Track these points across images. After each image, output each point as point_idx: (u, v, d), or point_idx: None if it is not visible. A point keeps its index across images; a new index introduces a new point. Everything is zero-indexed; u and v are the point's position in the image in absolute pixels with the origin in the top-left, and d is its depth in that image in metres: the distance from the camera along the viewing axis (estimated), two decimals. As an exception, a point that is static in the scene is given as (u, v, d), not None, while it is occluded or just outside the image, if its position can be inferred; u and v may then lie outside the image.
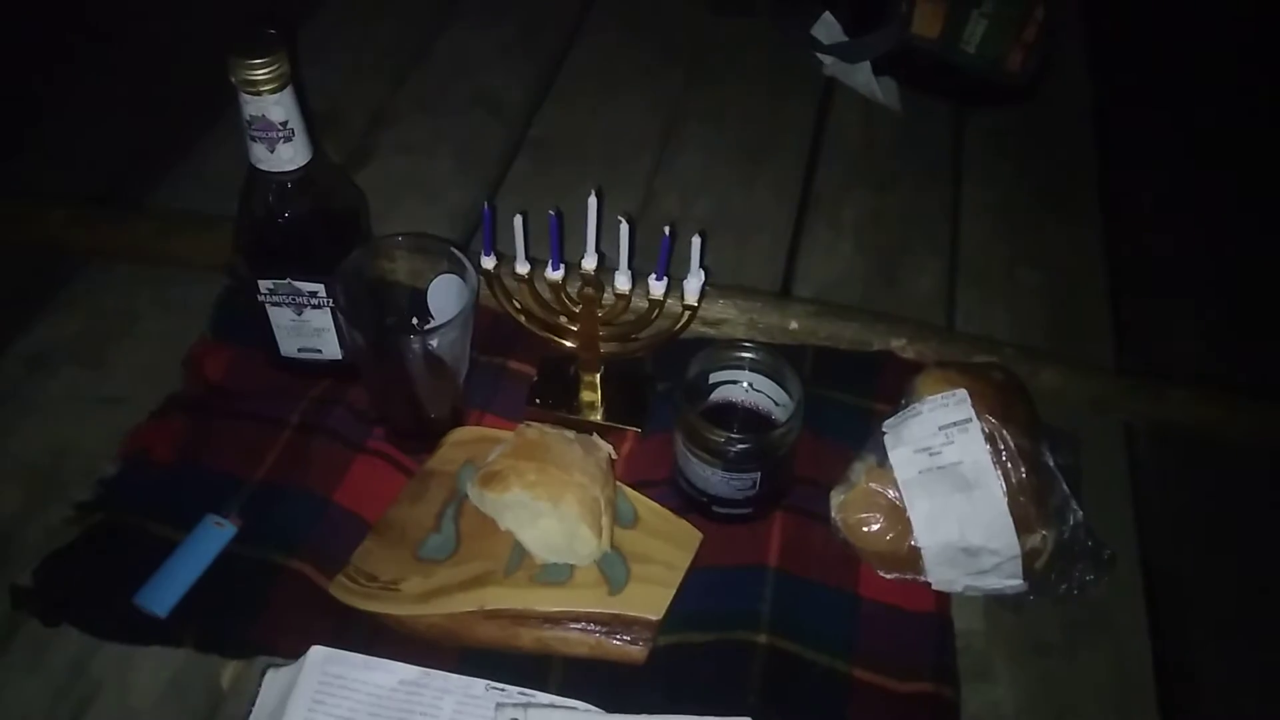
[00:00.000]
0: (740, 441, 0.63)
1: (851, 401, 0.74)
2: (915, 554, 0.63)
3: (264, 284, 0.69)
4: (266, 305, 0.70)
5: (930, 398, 0.64)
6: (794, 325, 0.79)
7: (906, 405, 0.65)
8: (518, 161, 0.97)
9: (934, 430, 0.62)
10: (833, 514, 0.66)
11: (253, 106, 0.62)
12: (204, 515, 0.65)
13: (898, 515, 0.63)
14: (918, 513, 0.63)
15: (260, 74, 0.60)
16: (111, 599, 0.61)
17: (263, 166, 0.64)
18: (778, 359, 0.67)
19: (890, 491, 0.63)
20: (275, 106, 0.62)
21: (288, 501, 0.67)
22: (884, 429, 0.65)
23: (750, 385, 0.69)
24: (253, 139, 0.63)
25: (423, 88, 1.04)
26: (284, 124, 0.63)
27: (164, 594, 0.61)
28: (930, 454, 0.62)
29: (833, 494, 0.66)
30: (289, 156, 0.64)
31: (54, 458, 0.69)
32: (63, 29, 1.05)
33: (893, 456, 0.63)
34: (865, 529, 0.64)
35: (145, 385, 0.73)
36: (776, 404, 0.68)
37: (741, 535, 0.67)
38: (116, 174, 0.90)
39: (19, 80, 0.97)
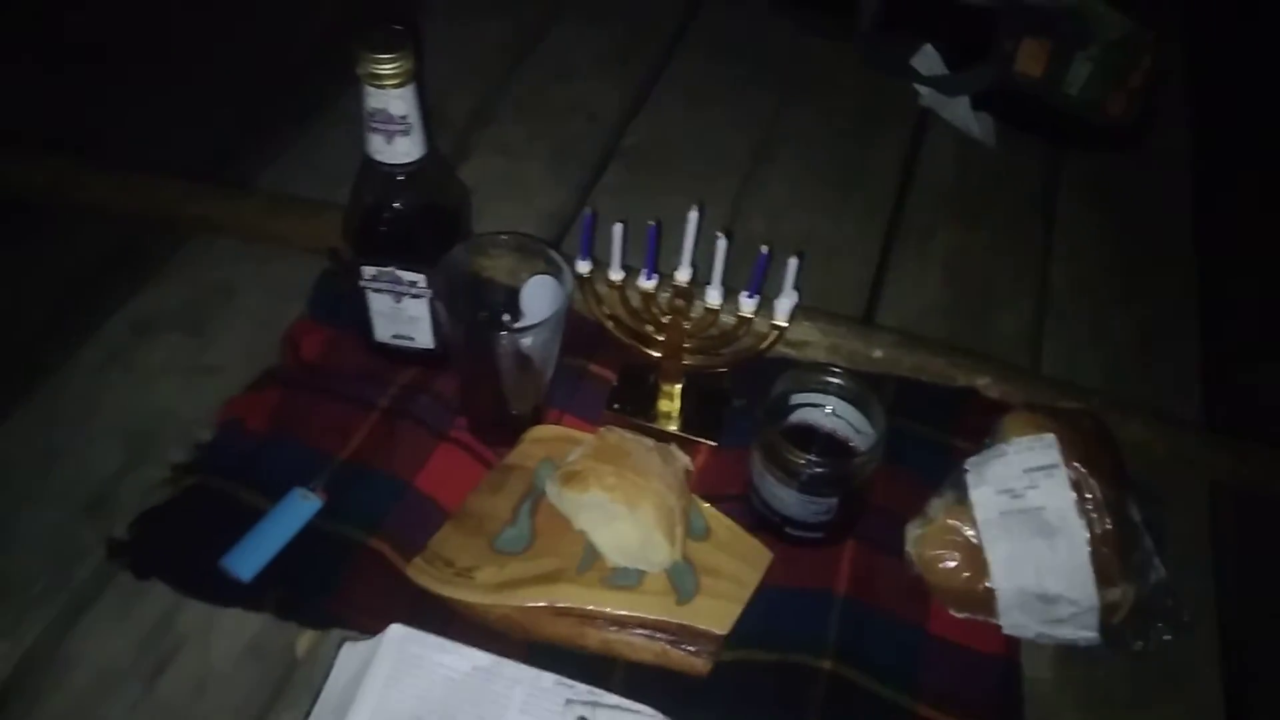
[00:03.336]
0: (820, 465, 0.64)
1: (932, 436, 0.74)
2: (989, 595, 0.63)
3: (367, 270, 0.71)
4: (367, 291, 0.72)
5: (1017, 439, 0.63)
6: (878, 354, 0.79)
7: (991, 445, 0.65)
8: (610, 169, 0.98)
9: (1019, 472, 0.62)
10: (907, 547, 0.65)
11: (375, 99, 0.64)
12: (292, 487, 0.67)
13: (974, 554, 0.63)
14: (996, 554, 0.62)
15: (386, 69, 0.62)
16: (199, 559, 0.63)
17: (379, 158, 0.66)
18: (863, 386, 0.68)
19: (968, 530, 0.63)
20: (397, 101, 0.64)
21: (371, 481, 0.69)
22: (966, 466, 0.65)
23: (833, 410, 0.69)
24: (372, 130, 0.65)
25: (522, 90, 1.06)
26: (403, 118, 0.65)
27: (249, 559, 0.63)
28: (1013, 496, 0.62)
29: (909, 527, 0.66)
30: (404, 150, 0.66)
31: (153, 420, 0.72)
32: (192, 5, 1.09)
33: (974, 495, 0.63)
34: (940, 565, 0.64)
35: (243, 357, 0.76)
36: (857, 431, 0.68)
37: (812, 559, 0.67)
38: (231, 153, 0.93)
39: (145, 53, 1.01)
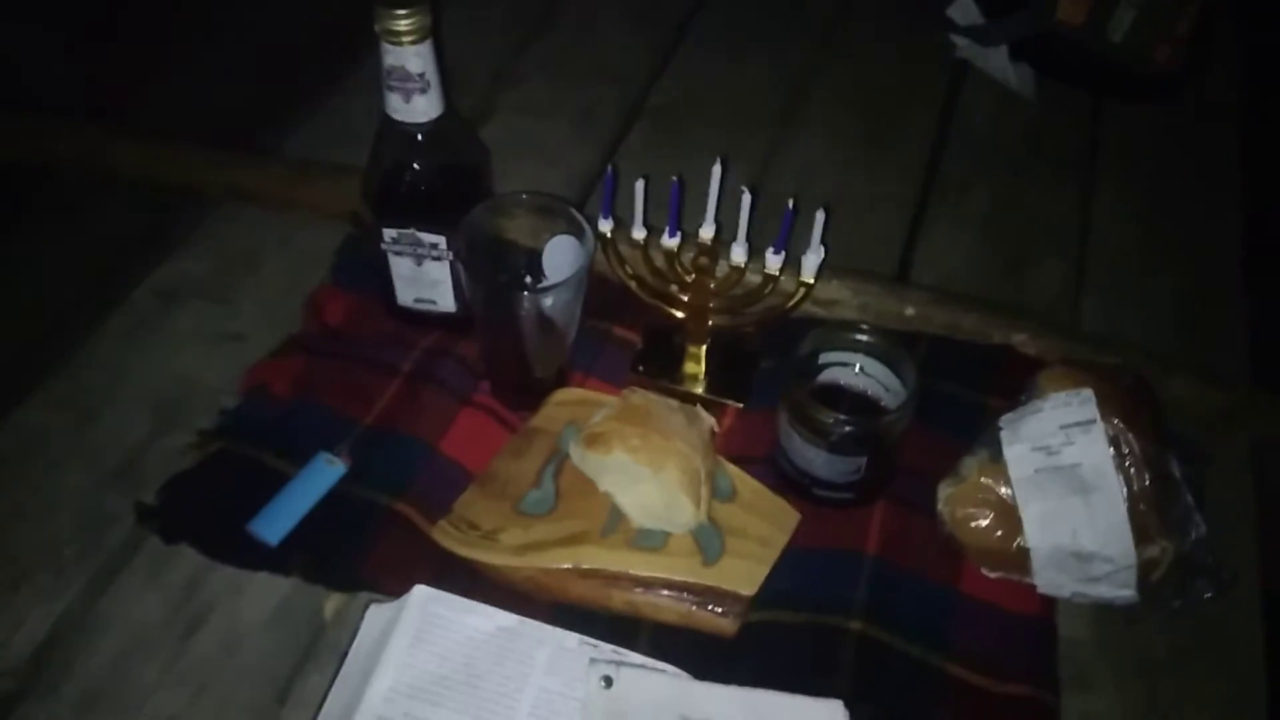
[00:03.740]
0: (848, 424, 0.62)
1: (964, 394, 0.72)
2: (1023, 554, 0.61)
3: (388, 233, 0.71)
4: (388, 254, 0.72)
5: (1053, 395, 0.61)
6: (910, 311, 0.77)
7: (1026, 401, 0.63)
8: (636, 129, 0.96)
9: (1055, 429, 0.60)
10: (939, 506, 0.64)
11: (393, 56, 0.63)
12: (317, 451, 0.67)
13: (1008, 513, 0.61)
14: (1030, 512, 0.60)
15: (402, 24, 0.61)
16: (227, 524, 0.64)
17: (397, 117, 0.66)
18: (893, 343, 0.66)
19: (1002, 488, 0.62)
20: (414, 57, 0.63)
21: (396, 445, 0.69)
22: (1001, 424, 0.63)
23: (861, 368, 0.67)
24: (390, 89, 0.65)
25: (546, 50, 1.04)
26: (421, 75, 0.64)
27: (276, 523, 0.64)
28: (1048, 453, 0.60)
29: (941, 486, 0.64)
30: (423, 108, 0.65)
31: (179, 387, 0.73)
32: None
33: (1008, 453, 0.61)
34: (973, 524, 0.62)
35: (267, 324, 0.76)
36: (887, 389, 0.67)
37: (841, 520, 0.66)
38: (252, 120, 0.93)
39: (166, 23, 1.01)
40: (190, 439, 0.68)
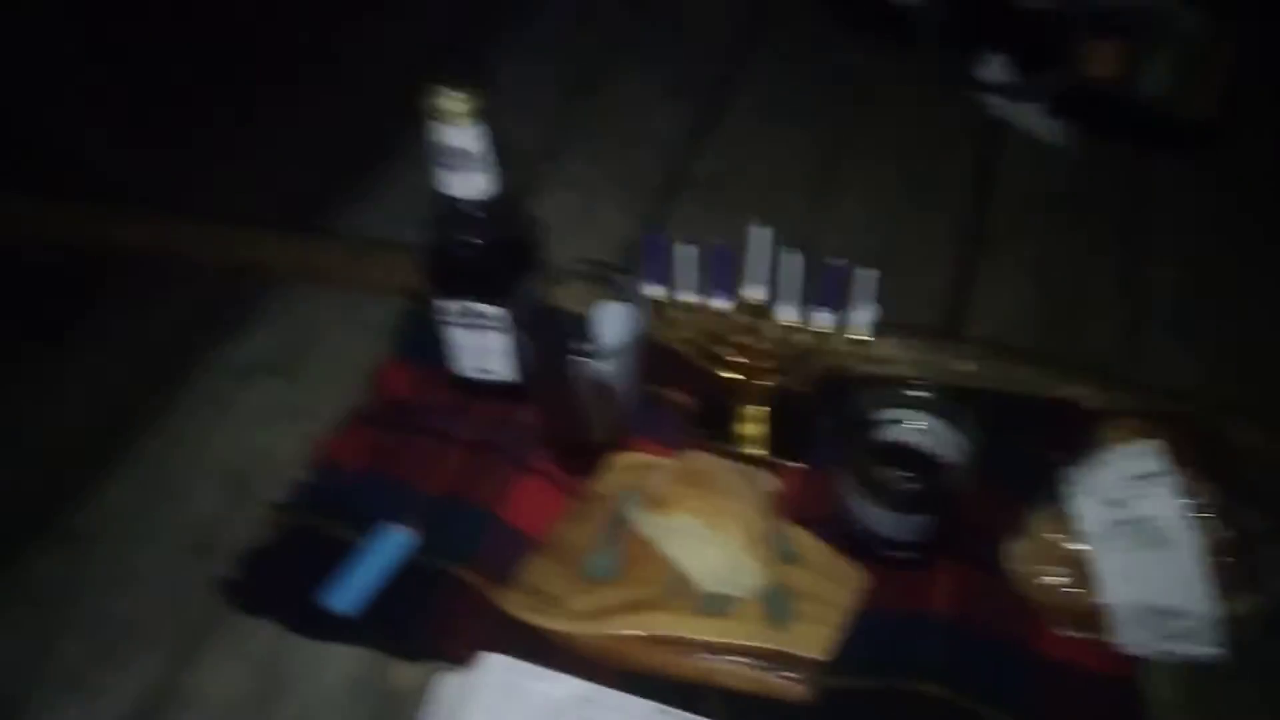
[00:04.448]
0: (911, 481, 0.62)
1: (1027, 448, 0.71)
2: (1099, 612, 0.60)
3: (446, 305, 0.73)
4: (447, 326, 0.74)
5: (1119, 447, 0.61)
6: (965, 367, 0.77)
7: (1091, 454, 0.63)
8: (679, 196, 0.99)
9: (1123, 481, 0.60)
10: (1008, 564, 0.63)
11: (446, 136, 0.65)
12: (385, 522, 0.68)
13: (1080, 569, 0.61)
14: (1104, 568, 0.60)
15: (456, 105, 0.64)
16: (302, 596, 0.65)
17: (452, 193, 0.68)
18: (951, 399, 0.66)
19: (1072, 544, 0.61)
20: (467, 137, 0.65)
21: (460, 514, 0.70)
22: (1066, 478, 0.63)
23: (920, 425, 0.68)
24: (444, 167, 0.67)
25: (590, 122, 1.08)
26: (473, 153, 0.66)
27: (349, 595, 0.65)
28: (1119, 506, 0.60)
29: (1009, 543, 0.64)
30: (476, 185, 0.68)
31: (253, 461, 0.75)
32: (265, 62, 1.14)
33: (1076, 507, 0.61)
34: (1044, 582, 0.61)
35: (334, 398, 0.78)
36: (947, 446, 0.67)
37: (907, 580, 0.66)
38: (312, 199, 0.96)
39: (229, 108, 1.06)
40: (265, 513, 0.70)
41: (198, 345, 0.84)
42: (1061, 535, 0.61)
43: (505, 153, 0.72)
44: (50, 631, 0.66)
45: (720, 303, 0.71)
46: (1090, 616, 0.60)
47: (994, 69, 1.05)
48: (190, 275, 0.90)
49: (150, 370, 0.83)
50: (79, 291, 0.91)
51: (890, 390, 0.68)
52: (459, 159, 0.66)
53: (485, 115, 0.65)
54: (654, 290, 0.71)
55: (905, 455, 0.68)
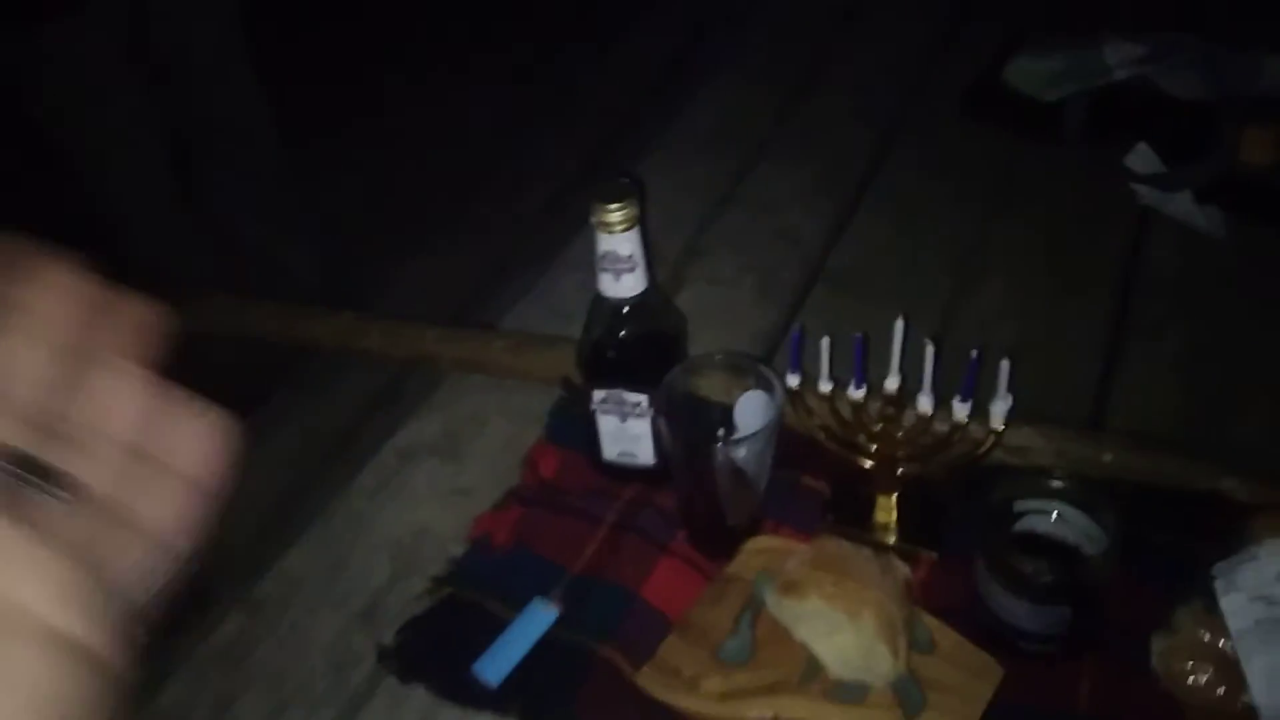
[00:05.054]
0: (1050, 573, 0.62)
1: (1171, 542, 0.69)
2: (1249, 713, 0.57)
3: (596, 394, 0.78)
4: (596, 413, 0.79)
5: (1270, 541, 0.59)
6: (1107, 458, 0.76)
7: (1240, 549, 0.61)
8: (816, 290, 1.02)
9: (1275, 577, 0.57)
10: (1153, 661, 0.62)
11: (606, 243, 0.72)
12: (534, 597, 0.73)
13: (1229, 667, 0.58)
14: (1254, 667, 0.57)
15: (616, 216, 0.70)
16: (454, 665, 0.70)
17: (608, 293, 0.74)
18: (1090, 490, 0.66)
19: (1220, 641, 0.59)
20: (625, 243, 0.71)
21: (602, 592, 0.74)
22: (1214, 573, 0.61)
23: (1059, 516, 0.67)
24: (602, 270, 0.73)
25: (731, 222, 1.13)
26: (629, 257, 0.72)
27: (497, 666, 0.69)
28: (1269, 603, 0.57)
29: (1153, 639, 0.62)
30: (630, 285, 0.73)
31: (415, 537, 0.81)
32: (436, 179, 1.26)
33: (1224, 603, 0.59)
34: (1191, 680, 0.59)
35: (491, 479, 0.84)
36: (1088, 537, 0.66)
37: (1046, 675, 0.65)
38: (476, 299, 1.06)
39: (406, 223, 1.18)
40: (424, 585, 0.76)
41: (371, 429, 0.92)
42: (1209, 632, 0.59)
43: (654, 253, 0.78)
44: (230, 689, 0.73)
45: (857, 392, 0.73)
46: (1238, 717, 0.58)
47: (1143, 158, 1.04)
48: (366, 366, 1.00)
49: (334, 451, 0.92)
50: (267, 378, 1.03)
51: (1029, 479, 0.68)
52: (616, 263, 0.72)
53: (639, 223, 0.72)
54: (791, 379, 0.74)
55: (1044, 546, 0.67)
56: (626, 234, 0.71)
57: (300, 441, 0.94)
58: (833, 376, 0.74)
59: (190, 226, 1.68)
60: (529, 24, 2.51)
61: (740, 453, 0.72)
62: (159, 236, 1.65)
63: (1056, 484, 0.67)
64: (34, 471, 0.26)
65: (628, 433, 0.79)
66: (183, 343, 0.32)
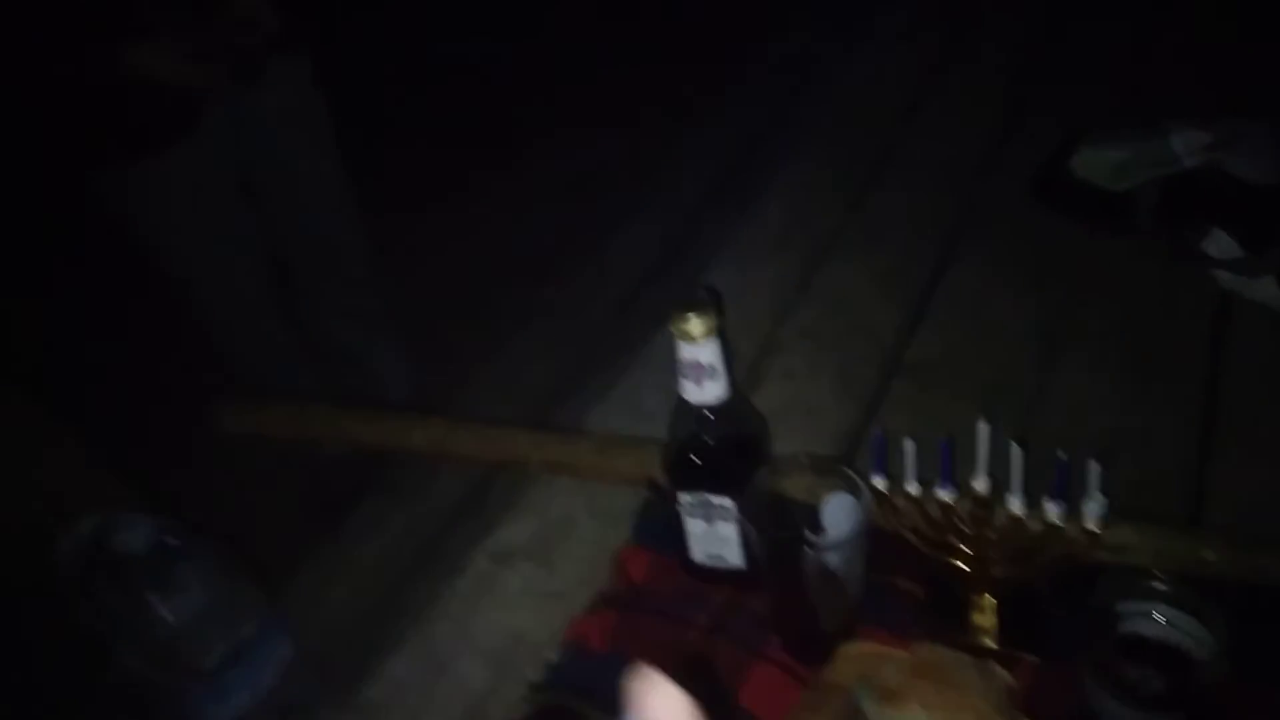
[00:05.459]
0: (1159, 679, 0.61)
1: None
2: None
3: (683, 497, 0.80)
4: (683, 516, 0.81)
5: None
6: (1209, 556, 0.74)
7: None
8: (894, 385, 1.02)
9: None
10: (1275, 771, 0.59)
11: (687, 352, 0.74)
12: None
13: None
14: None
15: (696, 326, 0.73)
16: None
17: (690, 399, 0.76)
18: (1195, 591, 0.64)
19: (1349, 752, 0.57)
20: (706, 351, 0.74)
21: (697, 699, 0.74)
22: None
23: (1165, 618, 0.66)
24: (684, 376, 0.76)
25: (805, 318, 1.14)
26: (711, 365, 0.74)
27: (596, 772, 0.70)
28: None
29: (1274, 748, 0.60)
30: (712, 391, 0.75)
31: (512, 641, 0.83)
32: (514, 294, 1.32)
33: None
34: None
35: (583, 582, 0.86)
36: (1195, 640, 0.64)
37: (1162, 784, 0.63)
38: (562, 401, 1.09)
39: (491, 333, 1.23)
40: (523, 691, 0.77)
41: (463, 533, 0.95)
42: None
43: (733, 357, 0.81)
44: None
45: (945, 494, 0.74)
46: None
47: (1220, 244, 1.04)
48: (454, 470, 1.03)
49: (428, 555, 0.94)
50: (359, 484, 1.07)
51: (1131, 580, 0.67)
52: (698, 371, 0.74)
53: (720, 333, 0.74)
54: (878, 480, 0.75)
55: (1150, 650, 0.66)
56: (707, 343, 0.73)
57: (396, 547, 0.97)
58: (918, 477, 0.74)
59: (292, 340, 1.74)
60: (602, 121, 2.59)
61: (830, 556, 0.72)
62: (262, 352, 1.71)
63: (1161, 585, 0.66)
64: None
65: (716, 535, 0.80)
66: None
